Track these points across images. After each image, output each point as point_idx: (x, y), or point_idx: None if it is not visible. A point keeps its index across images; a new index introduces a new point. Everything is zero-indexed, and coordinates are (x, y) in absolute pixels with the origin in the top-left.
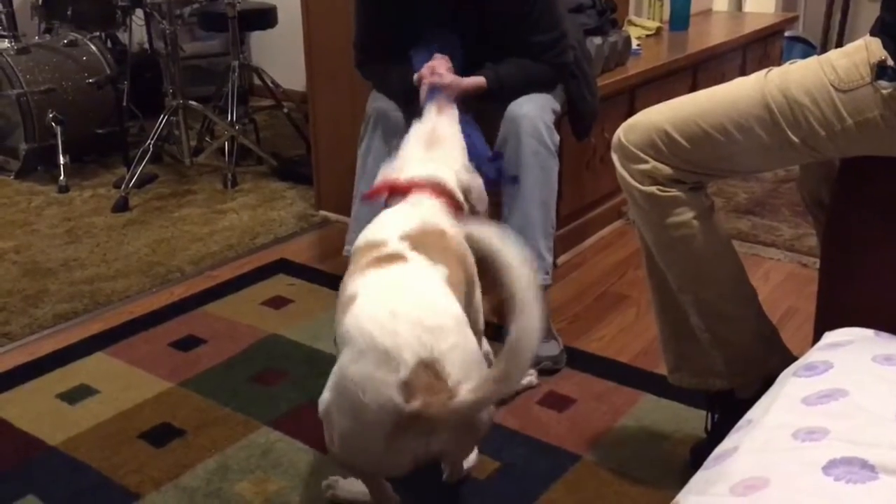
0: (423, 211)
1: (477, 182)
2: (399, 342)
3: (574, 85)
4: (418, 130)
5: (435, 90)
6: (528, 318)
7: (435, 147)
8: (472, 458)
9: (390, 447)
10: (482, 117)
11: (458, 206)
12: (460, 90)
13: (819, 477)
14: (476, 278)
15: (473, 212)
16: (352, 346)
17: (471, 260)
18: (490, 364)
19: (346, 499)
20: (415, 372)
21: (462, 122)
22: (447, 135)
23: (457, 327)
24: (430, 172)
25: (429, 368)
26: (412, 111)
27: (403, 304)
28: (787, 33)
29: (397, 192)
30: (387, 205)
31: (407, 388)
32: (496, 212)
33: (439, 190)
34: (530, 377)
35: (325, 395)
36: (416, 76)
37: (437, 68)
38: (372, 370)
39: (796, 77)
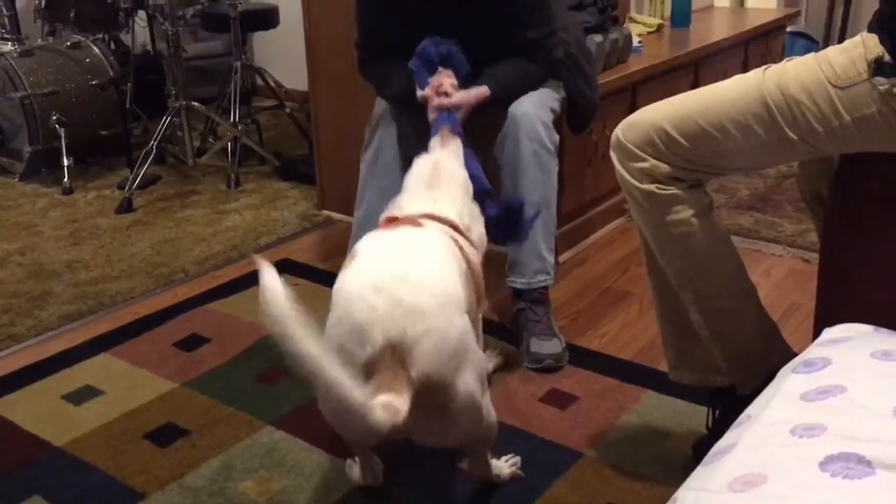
0: (435, 227)
1: (479, 226)
2: (373, 318)
3: (572, 80)
4: (421, 167)
5: (444, 112)
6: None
7: (438, 185)
8: (499, 465)
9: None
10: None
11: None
12: (469, 107)
13: (816, 472)
14: (483, 295)
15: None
16: (335, 309)
17: (479, 272)
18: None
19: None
20: (380, 353)
21: (465, 154)
22: (450, 173)
23: (439, 310)
24: (434, 210)
25: (395, 353)
26: (416, 115)
27: (390, 276)
28: (789, 29)
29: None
30: None
31: (369, 368)
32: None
33: (443, 222)
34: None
35: None
36: (420, 95)
37: (444, 86)
38: (345, 339)
39: (794, 74)
